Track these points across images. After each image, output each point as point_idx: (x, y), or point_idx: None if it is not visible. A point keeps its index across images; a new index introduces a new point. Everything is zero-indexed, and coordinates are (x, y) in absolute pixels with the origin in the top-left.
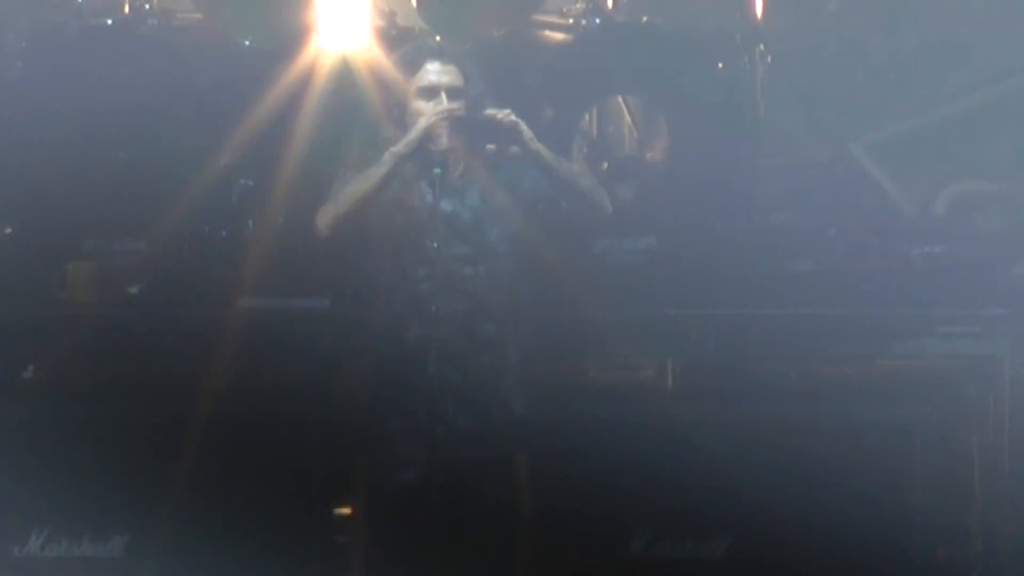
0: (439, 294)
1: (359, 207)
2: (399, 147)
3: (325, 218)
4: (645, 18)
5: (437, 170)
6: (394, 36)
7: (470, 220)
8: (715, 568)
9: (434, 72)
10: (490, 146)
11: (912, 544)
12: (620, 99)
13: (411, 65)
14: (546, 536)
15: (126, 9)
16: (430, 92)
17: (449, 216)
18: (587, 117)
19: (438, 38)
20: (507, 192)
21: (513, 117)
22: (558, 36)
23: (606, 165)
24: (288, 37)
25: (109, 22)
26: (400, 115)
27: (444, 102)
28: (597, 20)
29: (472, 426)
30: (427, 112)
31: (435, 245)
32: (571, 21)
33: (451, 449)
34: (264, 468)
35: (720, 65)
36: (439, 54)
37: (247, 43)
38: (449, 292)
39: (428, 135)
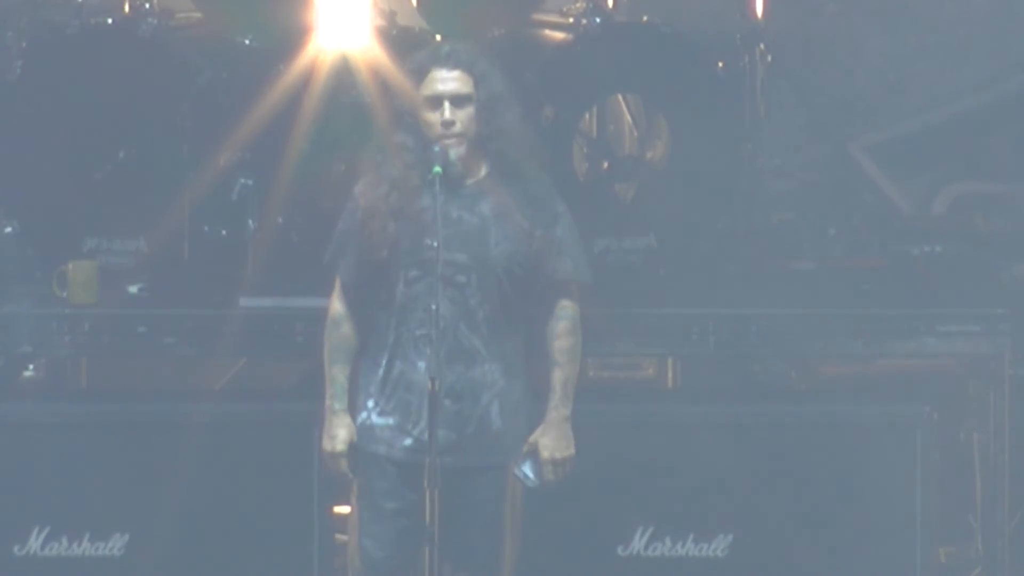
0: (428, 297)
1: None
2: None
3: None
4: (645, 18)
5: (437, 168)
6: (394, 36)
7: (475, 229)
8: (715, 567)
9: (440, 80)
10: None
11: (912, 544)
12: (620, 99)
13: (419, 72)
14: (545, 534)
15: (126, 9)
16: (434, 102)
17: (455, 221)
18: (587, 117)
19: (438, 37)
20: (515, 208)
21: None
22: (558, 36)
23: (606, 165)
24: (288, 37)
25: (109, 22)
26: (413, 122)
27: (446, 112)
28: (597, 20)
29: (447, 434)
30: (433, 122)
31: (434, 245)
32: (571, 21)
33: (425, 454)
34: (263, 467)
35: (720, 65)
36: (445, 60)
37: (247, 43)
38: (438, 297)
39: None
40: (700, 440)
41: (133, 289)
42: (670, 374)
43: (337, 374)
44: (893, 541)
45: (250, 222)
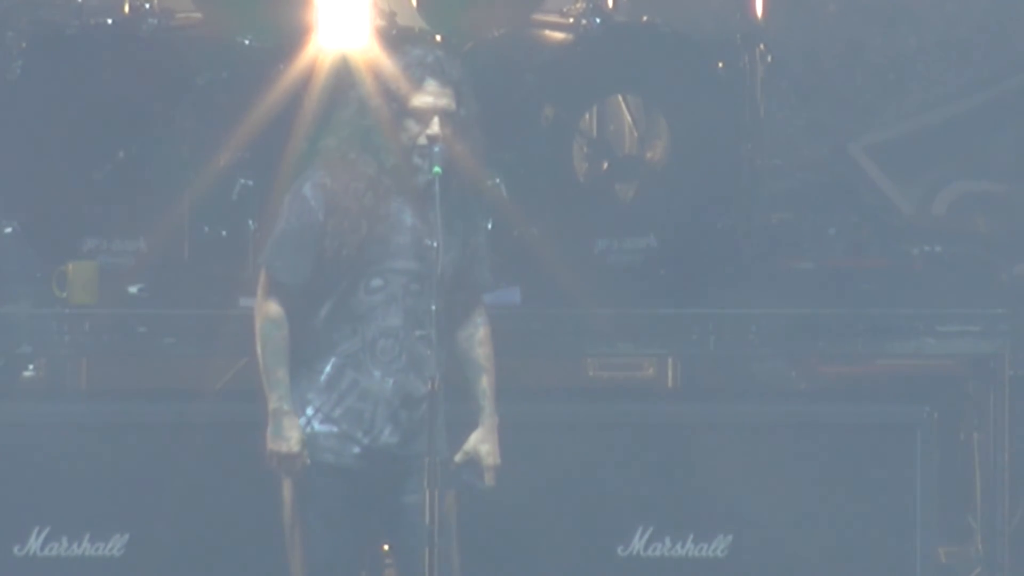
0: (387, 307)
1: None
2: None
3: None
4: (645, 18)
5: (437, 169)
6: (394, 36)
7: (424, 237)
8: (715, 567)
9: (434, 94)
10: None
11: (912, 544)
12: (620, 99)
13: (412, 79)
14: (545, 534)
15: (126, 9)
16: (425, 114)
17: (409, 229)
18: (587, 117)
19: (438, 37)
20: (455, 213)
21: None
22: (558, 36)
23: (606, 165)
24: (288, 37)
25: (109, 22)
26: (396, 125)
27: (435, 127)
28: (597, 20)
29: (399, 441)
30: (416, 132)
31: (434, 245)
32: (571, 21)
33: (378, 461)
34: (263, 467)
35: (720, 65)
36: (438, 72)
37: (247, 43)
38: (395, 306)
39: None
40: (700, 440)
41: (133, 289)
42: (670, 374)
43: (282, 376)
44: (893, 541)
45: (250, 222)
